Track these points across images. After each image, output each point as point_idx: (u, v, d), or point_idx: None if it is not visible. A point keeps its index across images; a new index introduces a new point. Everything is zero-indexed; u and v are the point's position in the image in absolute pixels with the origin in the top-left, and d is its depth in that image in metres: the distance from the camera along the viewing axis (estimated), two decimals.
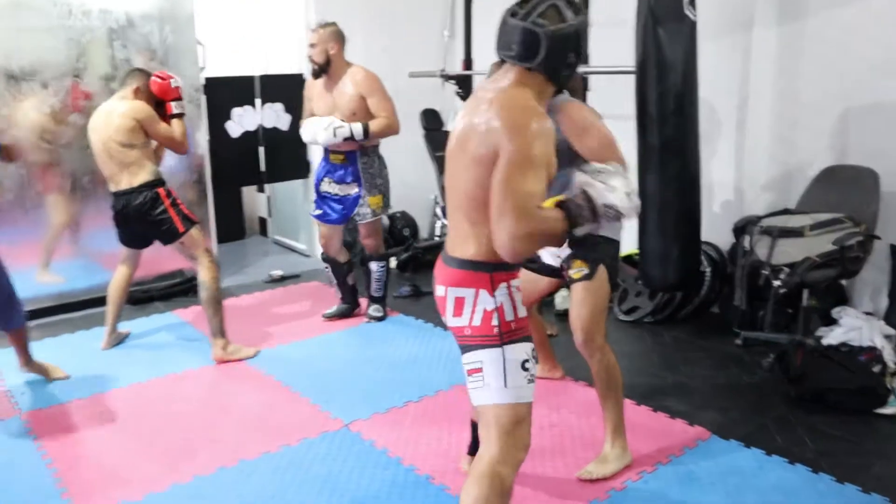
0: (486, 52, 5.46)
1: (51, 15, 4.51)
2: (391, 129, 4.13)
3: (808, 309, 3.77)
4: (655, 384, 3.55)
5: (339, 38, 4.13)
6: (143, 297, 4.99)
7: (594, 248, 2.78)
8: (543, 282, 3.10)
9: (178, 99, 3.93)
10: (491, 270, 1.96)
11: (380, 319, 4.49)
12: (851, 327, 3.64)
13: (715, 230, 4.53)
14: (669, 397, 3.38)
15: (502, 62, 2.01)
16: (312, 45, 4.09)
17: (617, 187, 1.91)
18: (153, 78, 3.89)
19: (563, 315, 4.34)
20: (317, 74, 4.16)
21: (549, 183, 1.89)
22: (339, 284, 4.54)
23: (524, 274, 2.77)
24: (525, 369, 1.98)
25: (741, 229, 3.89)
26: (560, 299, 4.50)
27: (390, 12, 5.98)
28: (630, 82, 3.89)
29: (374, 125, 4.06)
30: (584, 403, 3.33)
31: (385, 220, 5.26)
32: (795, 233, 3.61)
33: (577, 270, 2.80)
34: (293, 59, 5.82)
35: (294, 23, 5.84)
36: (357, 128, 4.04)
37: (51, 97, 4.55)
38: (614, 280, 2.89)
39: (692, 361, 3.81)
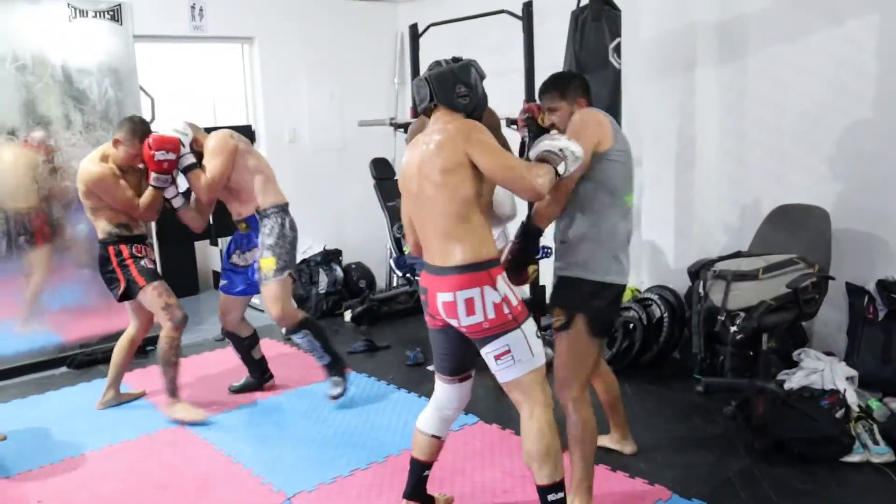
0: None
1: None
2: (199, 188, 3.74)
3: (768, 353, 3.67)
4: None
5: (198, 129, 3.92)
6: (86, 360, 4.78)
7: (576, 297, 2.67)
8: None
9: (162, 172, 3.68)
10: (488, 268, 2.36)
11: (338, 397, 3.93)
12: (813, 370, 3.56)
13: (671, 273, 4.47)
14: (629, 455, 3.25)
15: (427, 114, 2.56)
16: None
17: (559, 138, 2.46)
18: (147, 140, 3.66)
19: None
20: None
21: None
22: (242, 359, 4.14)
23: None
24: (538, 337, 2.44)
25: (696, 273, 3.80)
26: None
27: (337, 61, 5.94)
28: None
29: (194, 172, 3.73)
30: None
31: (290, 279, 4.40)
32: (749, 276, 3.51)
33: (556, 319, 2.72)
34: (240, 111, 5.72)
35: (239, 74, 5.77)
36: (188, 157, 3.74)
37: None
38: (606, 328, 2.78)
39: (653, 412, 3.69)
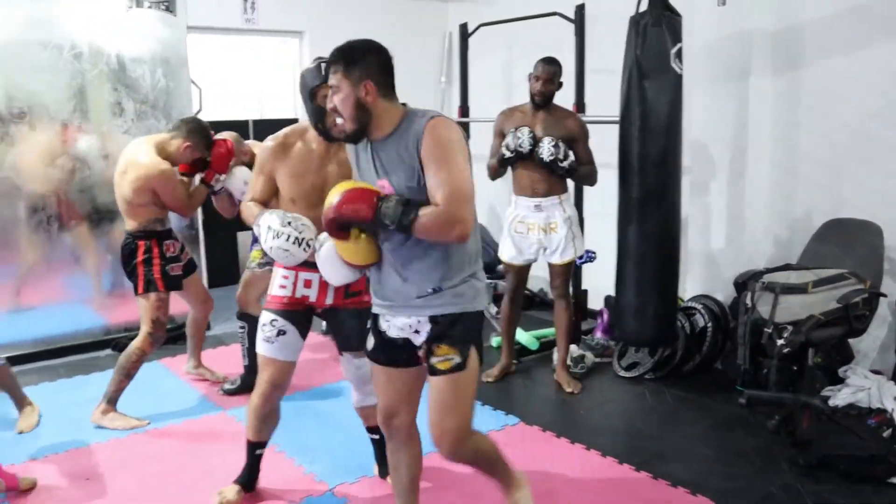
0: (482, 99, 5.41)
1: (41, 57, 4.46)
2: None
3: (814, 368, 3.64)
4: (656, 448, 3.39)
5: None
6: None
7: (463, 328, 2.21)
8: (407, 377, 2.38)
9: (223, 174, 3.80)
10: None
11: (228, 391, 4.05)
12: (859, 388, 3.51)
13: (716, 283, 4.43)
14: (671, 463, 3.23)
15: None
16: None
17: (271, 226, 2.51)
18: (219, 141, 3.75)
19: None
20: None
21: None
22: (248, 348, 3.99)
23: (377, 374, 2.41)
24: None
25: (743, 284, 3.78)
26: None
27: None
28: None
29: None
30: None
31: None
32: (798, 289, 3.50)
33: (444, 359, 2.18)
34: (287, 104, 5.78)
35: (287, 67, 5.83)
36: None
37: (39, 140, 4.50)
38: (482, 357, 2.33)
39: (695, 422, 3.66)
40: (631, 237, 3.71)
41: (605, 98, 4.52)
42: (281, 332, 2.75)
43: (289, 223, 2.51)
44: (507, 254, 4.12)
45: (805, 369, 3.64)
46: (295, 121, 5.65)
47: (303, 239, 2.51)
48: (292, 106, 5.79)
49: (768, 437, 3.45)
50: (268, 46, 6.35)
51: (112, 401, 3.69)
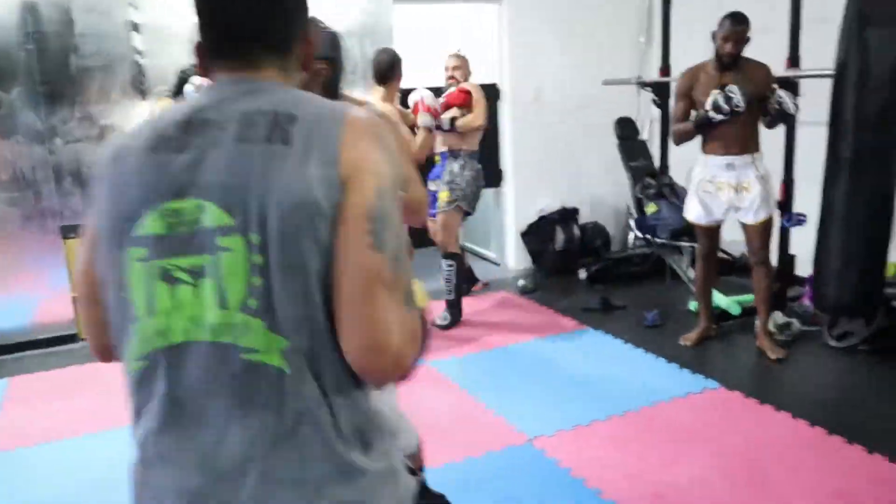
0: (683, 58, 5.23)
1: None
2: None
3: None
4: (869, 423, 3.18)
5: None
6: None
7: None
8: None
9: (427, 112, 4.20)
10: None
11: (444, 328, 4.55)
12: None
13: None
14: (888, 439, 3.02)
15: None
16: (457, 68, 4.76)
17: None
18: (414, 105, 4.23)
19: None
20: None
21: None
22: (456, 284, 4.66)
23: None
24: None
25: None
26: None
27: (584, 19, 5.92)
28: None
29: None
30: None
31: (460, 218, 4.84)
32: None
33: None
34: (489, 70, 5.89)
35: (489, 34, 5.92)
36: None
37: None
38: None
39: None
40: (838, 198, 3.47)
41: (820, 50, 4.23)
42: None
43: None
44: (693, 213, 4.02)
45: None
46: (493, 86, 5.78)
47: None
48: (495, 71, 5.89)
49: None
50: (467, 14, 6.49)
51: None
